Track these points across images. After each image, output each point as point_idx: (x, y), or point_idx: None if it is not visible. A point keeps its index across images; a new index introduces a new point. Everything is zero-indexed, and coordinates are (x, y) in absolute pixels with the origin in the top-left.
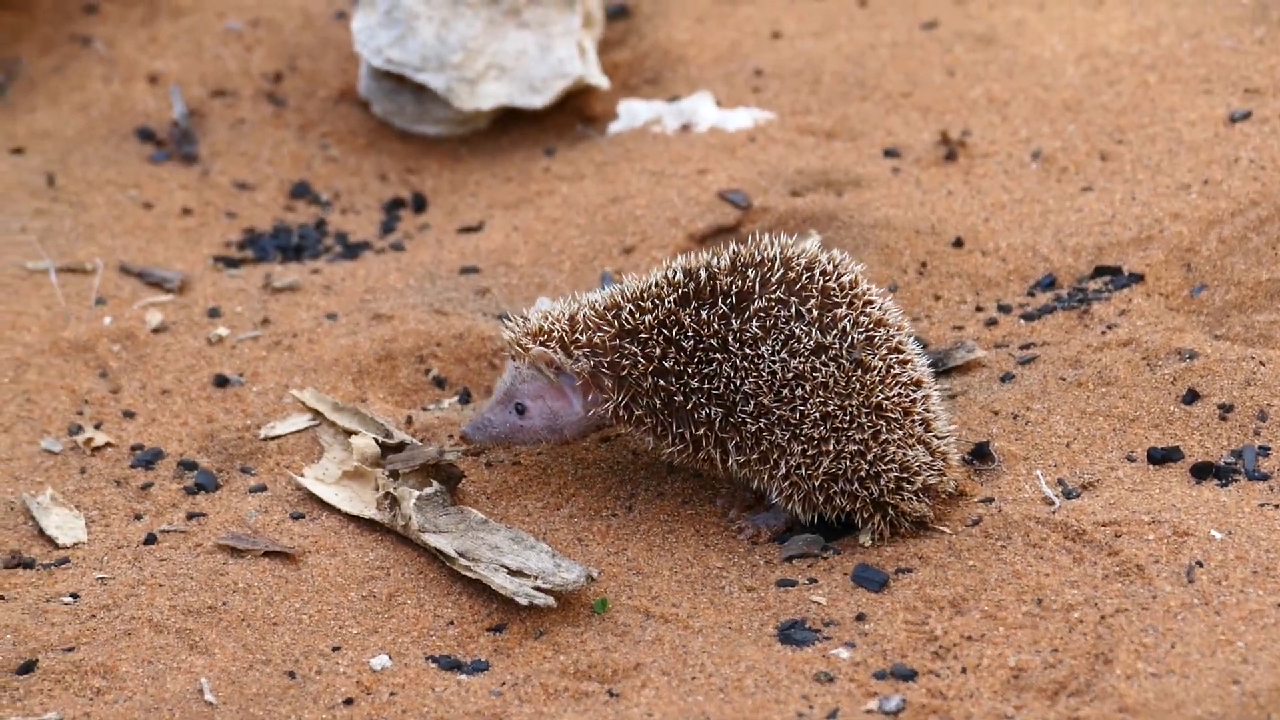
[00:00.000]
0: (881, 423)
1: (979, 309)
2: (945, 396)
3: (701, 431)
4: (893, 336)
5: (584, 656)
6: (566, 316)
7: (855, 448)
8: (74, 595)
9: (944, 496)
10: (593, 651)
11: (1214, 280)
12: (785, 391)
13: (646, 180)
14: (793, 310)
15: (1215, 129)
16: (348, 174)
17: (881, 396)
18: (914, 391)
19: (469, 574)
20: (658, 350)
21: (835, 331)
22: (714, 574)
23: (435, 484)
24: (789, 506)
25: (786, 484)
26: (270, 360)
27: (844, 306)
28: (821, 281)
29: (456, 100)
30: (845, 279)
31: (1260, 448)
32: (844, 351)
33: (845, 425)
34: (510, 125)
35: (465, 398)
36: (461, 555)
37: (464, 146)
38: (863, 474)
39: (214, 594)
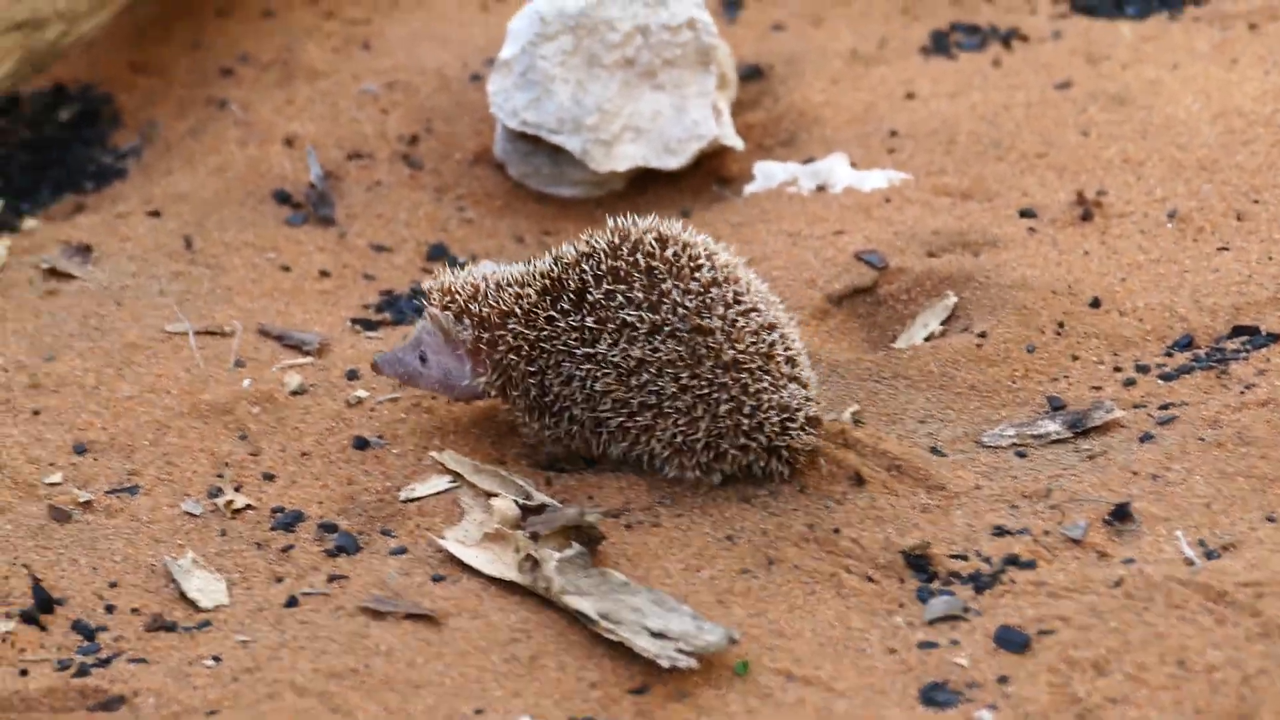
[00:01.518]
0: (745, 375)
1: (1117, 369)
2: (1085, 456)
3: (573, 427)
4: (728, 291)
5: (726, 719)
6: (475, 283)
7: (728, 405)
8: (216, 658)
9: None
10: (736, 714)
11: None
12: (634, 380)
13: (782, 241)
14: (620, 298)
15: None
16: (484, 236)
17: (734, 352)
18: (768, 335)
19: (611, 636)
20: (524, 344)
21: (666, 307)
22: (856, 636)
23: (576, 546)
24: (686, 475)
25: (673, 457)
26: (409, 422)
27: (670, 279)
28: (645, 261)
29: (592, 162)
30: (670, 251)
31: None
32: (679, 324)
33: (707, 390)
34: (646, 186)
35: (591, 461)
36: (603, 617)
37: (600, 208)
38: (745, 426)
39: (356, 657)
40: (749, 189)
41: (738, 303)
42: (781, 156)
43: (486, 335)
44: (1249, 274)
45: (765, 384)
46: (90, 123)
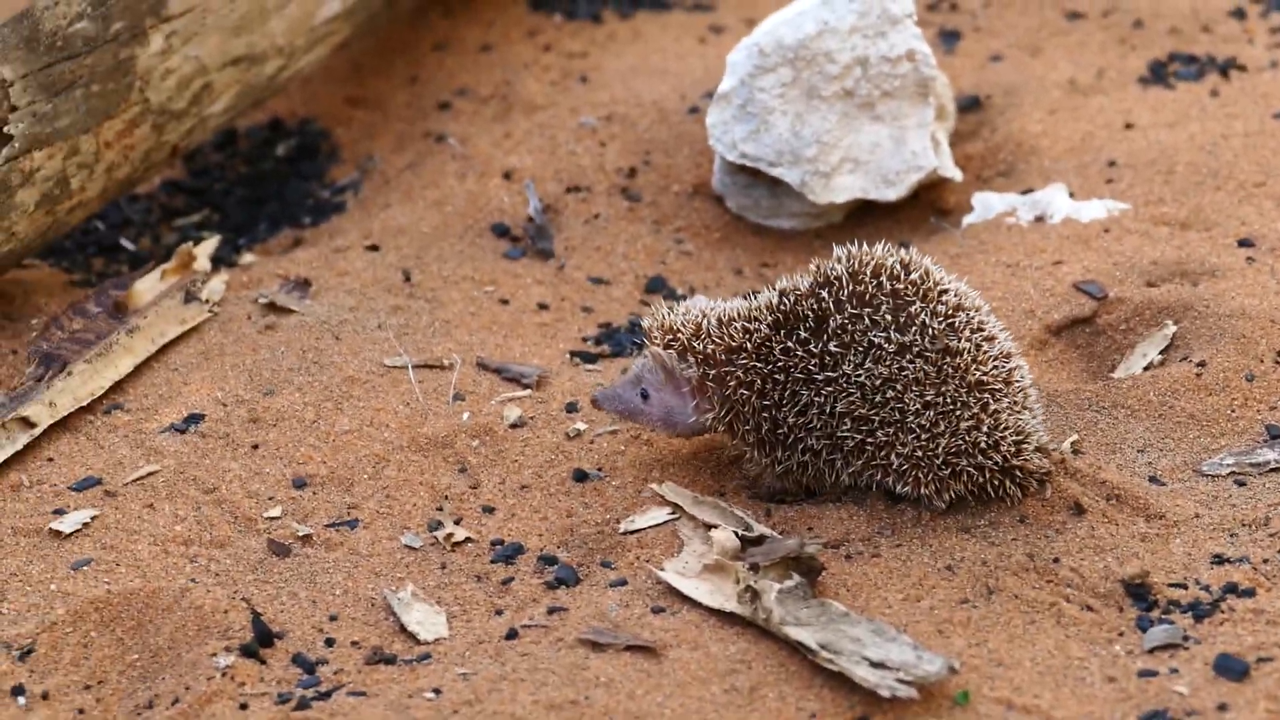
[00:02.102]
0: (987, 395)
1: None
2: None
3: (804, 457)
4: (973, 317)
5: None
6: (696, 320)
7: (968, 424)
8: (436, 691)
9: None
10: None
11: None
12: (879, 398)
13: (1001, 272)
14: (866, 321)
15: None
16: (702, 268)
17: (979, 373)
18: (1007, 363)
19: (831, 666)
20: (756, 378)
21: (915, 329)
22: (1075, 665)
23: (796, 577)
24: (921, 495)
25: (910, 472)
26: (628, 454)
27: (918, 302)
28: (890, 285)
29: (811, 194)
30: (914, 275)
31: None
32: (927, 345)
33: (951, 407)
34: (864, 218)
35: (813, 493)
36: (823, 648)
37: (818, 240)
38: (983, 444)
39: (576, 689)
40: (967, 220)
41: (980, 329)
42: (1000, 187)
43: (713, 372)
44: None
45: (1004, 406)
46: (308, 157)
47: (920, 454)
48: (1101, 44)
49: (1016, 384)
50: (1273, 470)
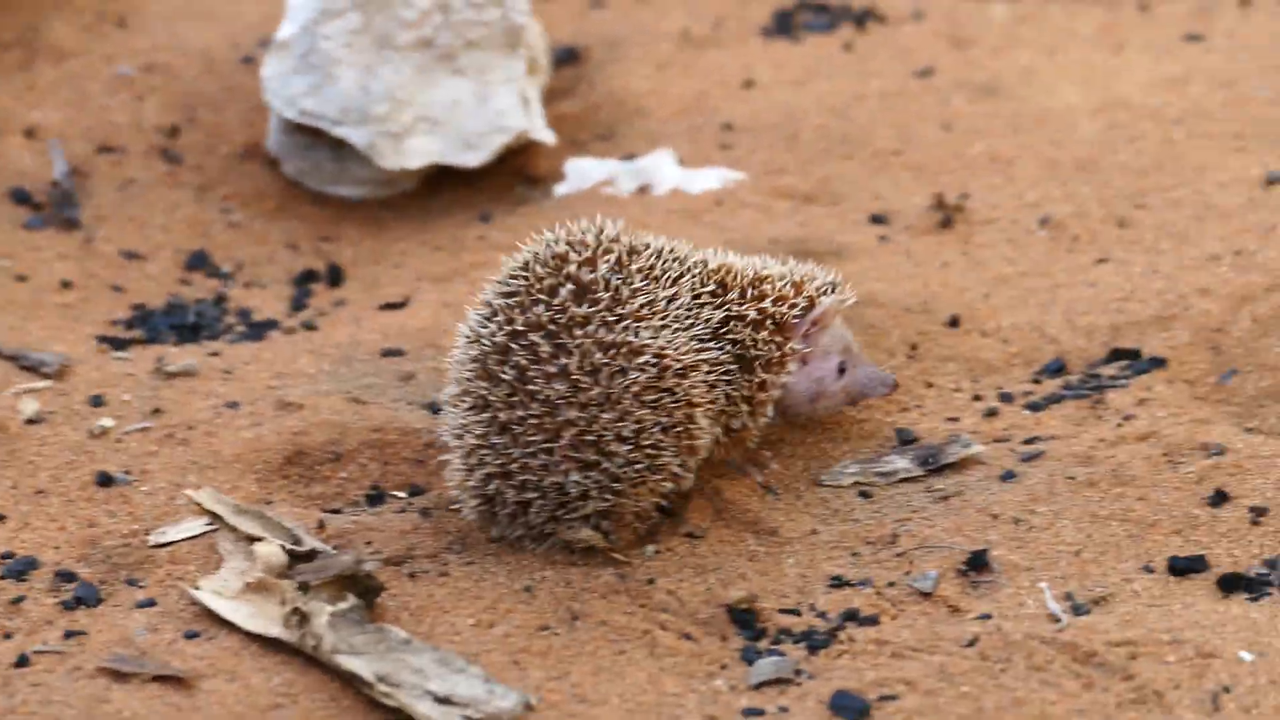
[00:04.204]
0: (516, 448)
1: (977, 398)
2: (938, 497)
3: None
4: (564, 340)
5: None
6: None
7: (495, 469)
8: None
9: (631, 518)
10: None
11: (1246, 365)
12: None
13: None
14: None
15: (1250, 192)
16: (253, 242)
17: (505, 417)
18: (573, 411)
19: (388, 701)
20: None
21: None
22: (669, 701)
23: (351, 598)
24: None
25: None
26: (162, 456)
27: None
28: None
29: (380, 158)
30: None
31: None
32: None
33: (480, 444)
34: (441, 186)
35: (379, 499)
36: (380, 680)
37: (387, 211)
38: (512, 501)
39: None
40: (559, 190)
41: (559, 378)
42: (598, 153)
43: None
44: (1131, 289)
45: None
46: None
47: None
48: None
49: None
50: (903, 480)
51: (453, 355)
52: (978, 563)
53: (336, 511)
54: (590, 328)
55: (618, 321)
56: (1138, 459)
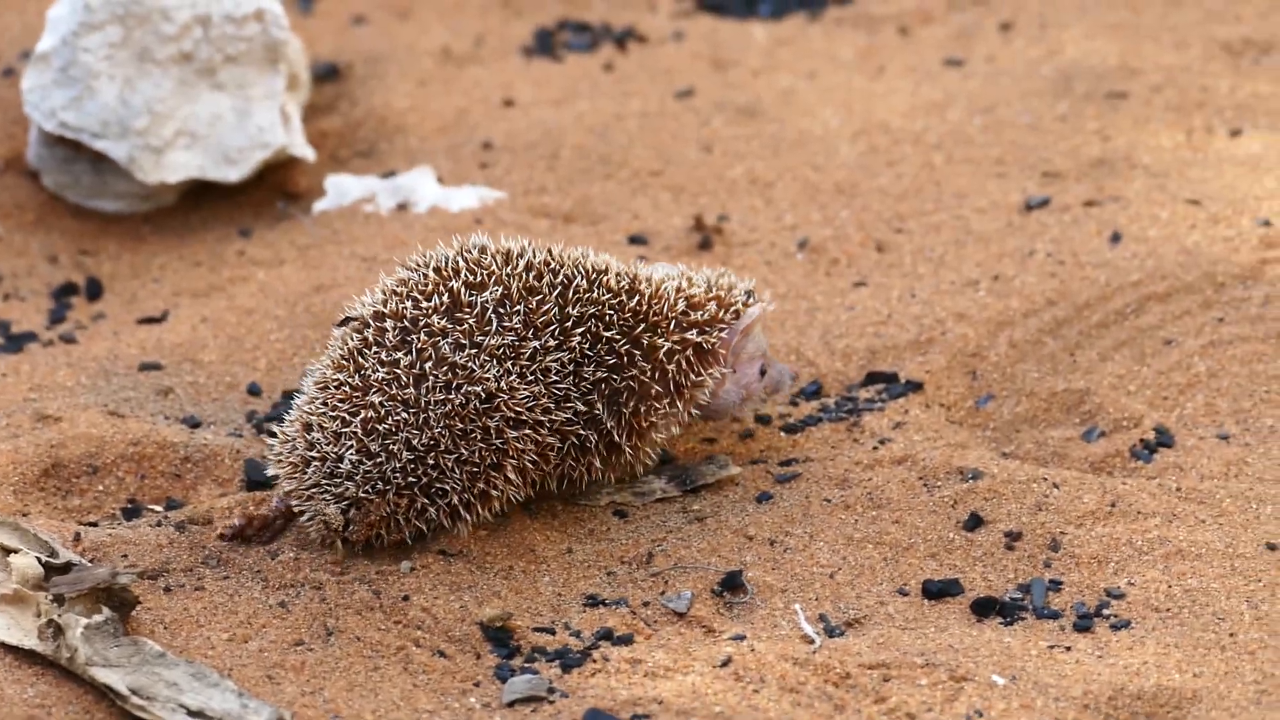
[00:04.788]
0: (322, 408)
1: (733, 419)
2: (694, 518)
3: None
4: (415, 337)
5: None
6: None
7: (302, 419)
8: None
9: (375, 520)
10: None
11: (1002, 390)
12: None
13: (356, 267)
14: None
15: (1008, 217)
16: (12, 255)
17: (330, 376)
18: (375, 397)
19: (142, 715)
20: None
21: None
22: (423, 718)
23: (106, 611)
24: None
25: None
26: None
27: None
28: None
29: (140, 172)
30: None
31: (1051, 581)
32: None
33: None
34: (201, 201)
35: (135, 513)
36: (134, 693)
37: (147, 225)
38: (298, 453)
39: None
40: (319, 206)
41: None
42: (358, 169)
43: None
44: (888, 313)
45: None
46: None
47: None
48: (482, 7)
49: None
50: (659, 500)
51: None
52: (732, 583)
53: (93, 524)
54: (438, 339)
55: (472, 348)
56: (893, 482)
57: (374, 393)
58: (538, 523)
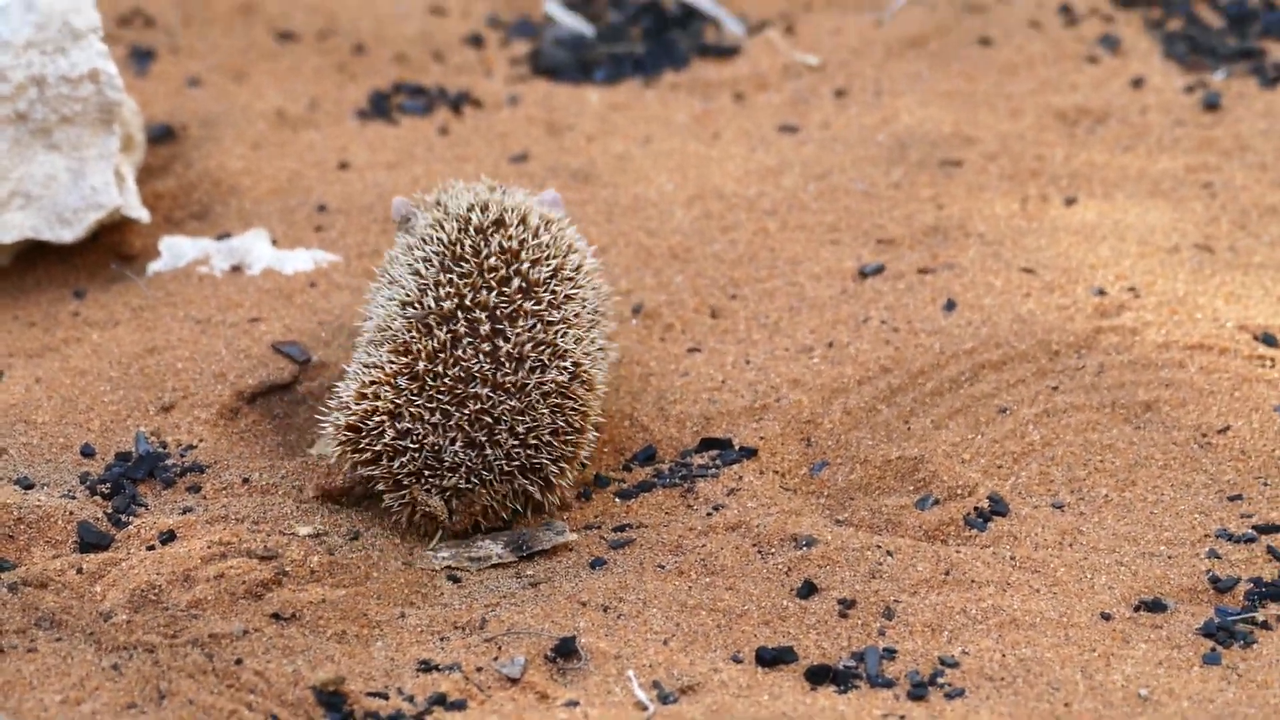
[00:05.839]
0: (420, 399)
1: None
2: (528, 584)
3: None
4: (503, 327)
5: None
6: None
7: (388, 407)
8: None
9: (478, 510)
10: None
11: (837, 457)
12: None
13: (190, 329)
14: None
15: (843, 284)
16: None
17: (424, 368)
18: (483, 388)
19: None
20: None
21: (437, 286)
22: None
23: None
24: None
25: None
26: None
27: (459, 266)
28: (470, 241)
29: None
30: (498, 244)
31: (885, 649)
32: (419, 309)
33: (385, 384)
34: (36, 262)
35: None
36: None
37: None
38: (387, 441)
39: None
40: (154, 267)
41: (492, 338)
42: (193, 231)
43: None
44: (722, 379)
45: (434, 420)
46: None
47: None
48: (316, 70)
49: (471, 410)
50: (494, 566)
51: (377, 294)
52: (566, 649)
53: None
54: (527, 323)
55: (550, 325)
56: (728, 549)
57: (480, 384)
58: (371, 587)
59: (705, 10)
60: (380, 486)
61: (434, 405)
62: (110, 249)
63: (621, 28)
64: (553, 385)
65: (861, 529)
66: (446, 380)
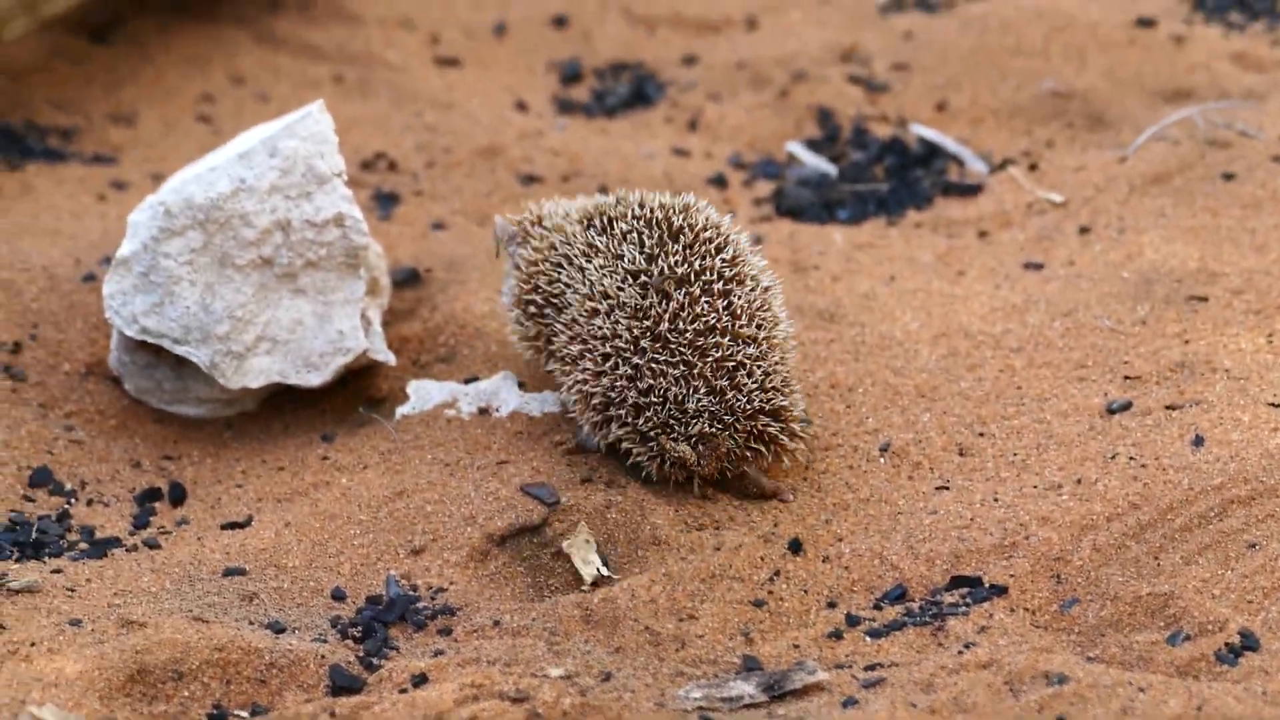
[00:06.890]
0: (664, 355)
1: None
2: None
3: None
4: (731, 288)
5: None
6: None
7: (628, 371)
8: None
9: (723, 452)
10: None
11: (1087, 594)
12: (591, 305)
13: (439, 472)
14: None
15: (1090, 421)
16: (95, 460)
17: (668, 328)
18: (724, 339)
19: None
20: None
21: (660, 259)
22: None
23: None
24: (581, 423)
25: (575, 399)
26: (4, 673)
27: (676, 243)
28: (677, 220)
29: (222, 377)
30: (698, 221)
31: None
32: (653, 278)
33: (626, 349)
34: (283, 406)
35: (221, 718)
36: None
37: (229, 430)
38: (630, 402)
39: None
40: (401, 410)
41: (725, 296)
42: (440, 375)
43: None
44: (971, 517)
45: (677, 373)
46: None
47: (586, 386)
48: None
49: (714, 360)
50: (746, 706)
51: (592, 264)
52: None
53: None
54: (746, 287)
55: (766, 289)
56: (979, 687)
57: (719, 334)
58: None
59: (948, 149)
60: (625, 445)
61: (675, 359)
62: (357, 393)
63: (864, 166)
64: (781, 337)
65: (1113, 665)
66: (687, 335)
